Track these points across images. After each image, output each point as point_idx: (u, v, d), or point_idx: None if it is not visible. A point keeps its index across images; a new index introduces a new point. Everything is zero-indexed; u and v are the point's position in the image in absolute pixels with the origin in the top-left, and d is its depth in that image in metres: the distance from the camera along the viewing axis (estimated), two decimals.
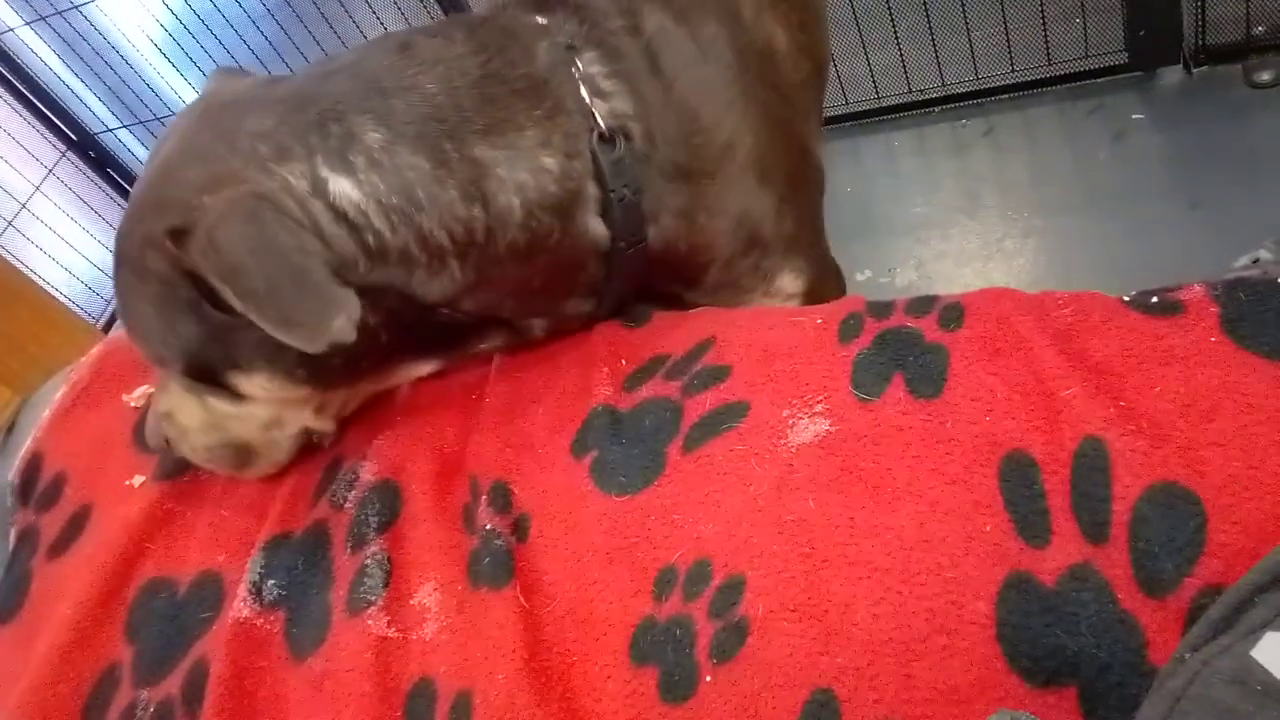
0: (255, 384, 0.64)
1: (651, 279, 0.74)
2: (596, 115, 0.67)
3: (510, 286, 0.67)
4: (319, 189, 0.59)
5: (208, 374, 0.64)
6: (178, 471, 0.68)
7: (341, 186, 0.60)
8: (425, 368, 0.70)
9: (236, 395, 0.65)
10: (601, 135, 0.67)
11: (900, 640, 0.45)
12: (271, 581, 0.60)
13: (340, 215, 0.60)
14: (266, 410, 0.66)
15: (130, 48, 2.19)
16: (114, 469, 0.71)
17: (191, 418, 0.66)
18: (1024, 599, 0.44)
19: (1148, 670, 0.41)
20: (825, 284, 0.83)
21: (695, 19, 0.73)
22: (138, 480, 0.70)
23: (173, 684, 0.59)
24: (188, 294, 0.60)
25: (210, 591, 0.62)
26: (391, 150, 0.61)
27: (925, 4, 1.49)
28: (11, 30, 2.13)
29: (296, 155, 0.60)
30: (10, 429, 0.85)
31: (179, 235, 0.58)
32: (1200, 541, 0.42)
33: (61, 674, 0.62)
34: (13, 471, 0.75)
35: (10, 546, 0.73)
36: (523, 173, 0.65)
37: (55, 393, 0.78)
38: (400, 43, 0.67)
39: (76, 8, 2.03)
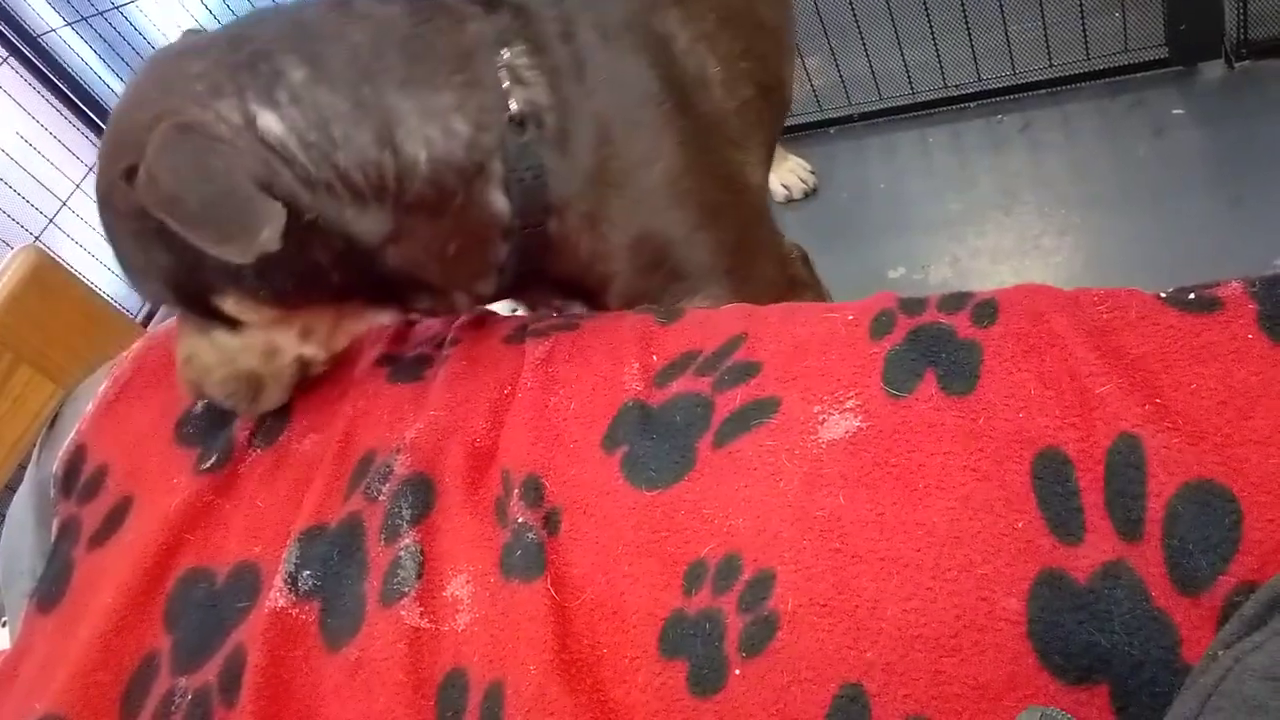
0: (231, 305, 0.69)
1: (566, 279, 0.79)
2: (511, 98, 0.71)
3: (427, 245, 0.72)
4: (249, 122, 0.65)
5: (198, 304, 0.70)
6: (217, 465, 0.70)
7: (267, 120, 0.65)
8: (383, 316, 0.76)
9: (232, 325, 0.71)
10: (513, 117, 0.71)
11: (930, 636, 0.45)
12: (307, 572, 0.61)
13: (269, 147, 0.65)
14: (261, 337, 0.72)
15: (129, 81, 2.22)
16: (155, 462, 0.72)
17: (207, 356, 0.72)
18: (1056, 596, 0.44)
19: (1181, 668, 0.41)
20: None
21: (622, 43, 0.77)
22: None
23: (210, 672, 0.60)
24: (153, 225, 0.64)
25: (247, 582, 0.63)
26: (313, 89, 0.66)
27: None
28: (53, 30, 2.18)
29: (228, 91, 0.65)
30: (53, 422, 0.87)
31: (131, 173, 0.64)
32: (1235, 539, 0.42)
33: (102, 661, 0.63)
34: (56, 463, 0.76)
35: (53, 536, 0.74)
36: (432, 129, 0.69)
37: (97, 386, 0.79)
38: (325, 5, 0.72)
39: (117, 8, 2.07)
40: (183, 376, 0.73)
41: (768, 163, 0.94)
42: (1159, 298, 0.53)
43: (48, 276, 0.87)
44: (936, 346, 0.55)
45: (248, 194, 0.63)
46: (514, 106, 0.71)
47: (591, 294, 0.82)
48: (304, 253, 0.67)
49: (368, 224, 0.68)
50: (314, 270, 0.68)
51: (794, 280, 0.92)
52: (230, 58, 0.66)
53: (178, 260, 0.67)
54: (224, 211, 0.63)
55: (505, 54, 0.72)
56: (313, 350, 0.74)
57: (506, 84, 0.71)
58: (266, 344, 0.72)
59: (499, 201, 0.72)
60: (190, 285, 0.69)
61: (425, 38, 0.70)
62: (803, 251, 0.96)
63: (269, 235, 0.62)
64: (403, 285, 0.74)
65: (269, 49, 0.67)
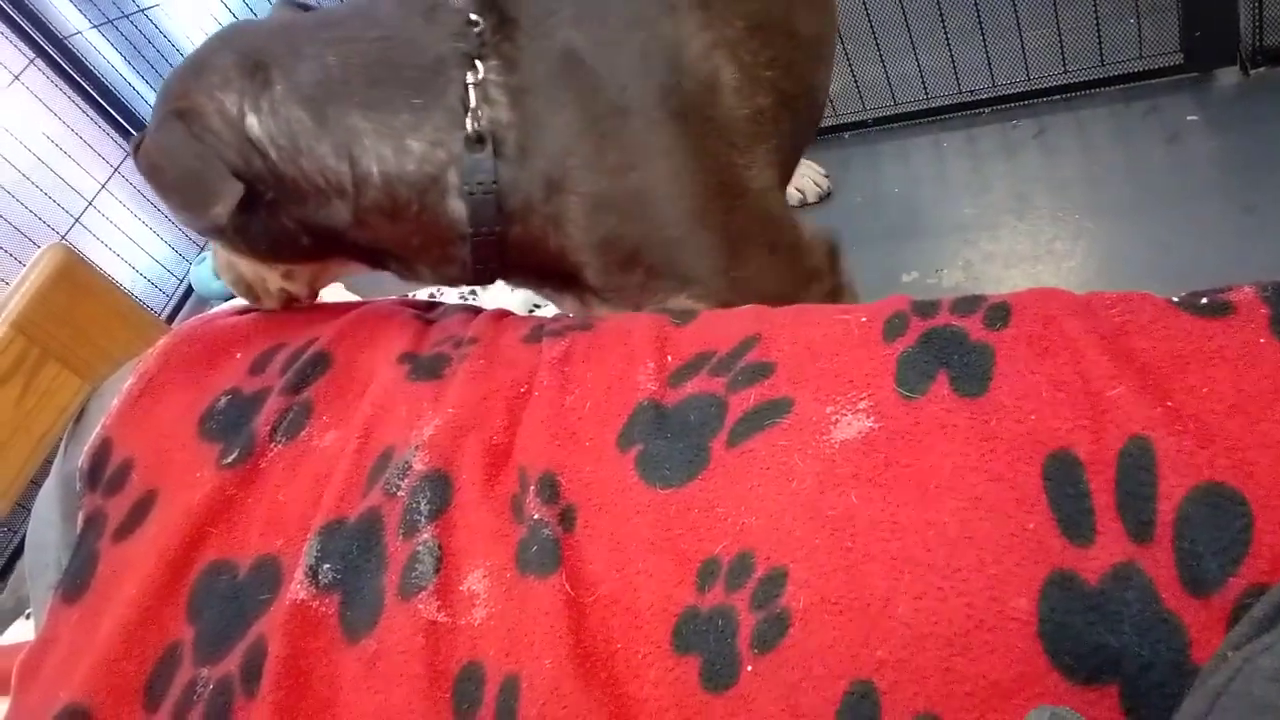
0: (220, 249, 0.88)
1: (542, 269, 0.88)
2: (469, 117, 0.79)
3: (389, 237, 0.84)
4: (240, 118, 0.78)
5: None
6: (239, 460, 0.71)
7: (251, 121, 0.79)
8: (356, 269, 0.91)
9: None
10: (468, 136, 0.79)
11: (941, 634, 0.46)
12: (327, 565, 0.62)
13: (250, 142, 0.78)
14: (251, 268, 0.88)
15: (193, 50, 2.25)
16: (179, 456, 0.73)
17: (224, 259, 0.89)
18: (1066, 596, 0.45)
19: (1190, 669, 0.41)
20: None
21: (617, 47, 0.81)
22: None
23: (232, 662, 0.61)
24: None
25: (269, 574, 0.64)
26: (287, 103, 0.79)
27: (976, 4, 1.48)
28: (80, 33, 2.20)
29: (233, 89, 0.79)
30: (79, 417, 0.88)
31: (139, 146, 0.82)
32: (1246, 541, 0.42)
33: (126, 651, 0.65)
34: (82, 457, 0.77)
35: (78, 529, 0.76)
36: (386, 147, 0.79)
37: (123, 382, 0.80)
38: (324, 18, 0.84)
39: (142, 11, 2.09)
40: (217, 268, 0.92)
41: (784, 165, 0.95)
42: (1171, 302, 0.53)
43: (76, 274, 0.89)
44: (949, 349, 0.56)
45: (212, 176, 0.77)
46: (470, 126, 0.79)
47: (569, 279, 0.88)
48: (273, 221, 0.82)
49: (330, 215, 0.81)
50: (285, 234, 0.83)
51: (812, 274, 0.93)
52: (243, 61, 0.79)
53: None
54: (189, 186, 0.78)
55: (476, 74, 0.79)
56: (295, 287, 0.90)
57: (472, 103, 0.79)
58: (255, 273, 0.88)
59: (457, 209, 0.81)
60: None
61: (392, 63, 0.80)
62: (832, 243, 0.96)
63: (219, 212, 0.76)
64: (372, 252, 0.86)
65: (267, 60, 0.80)
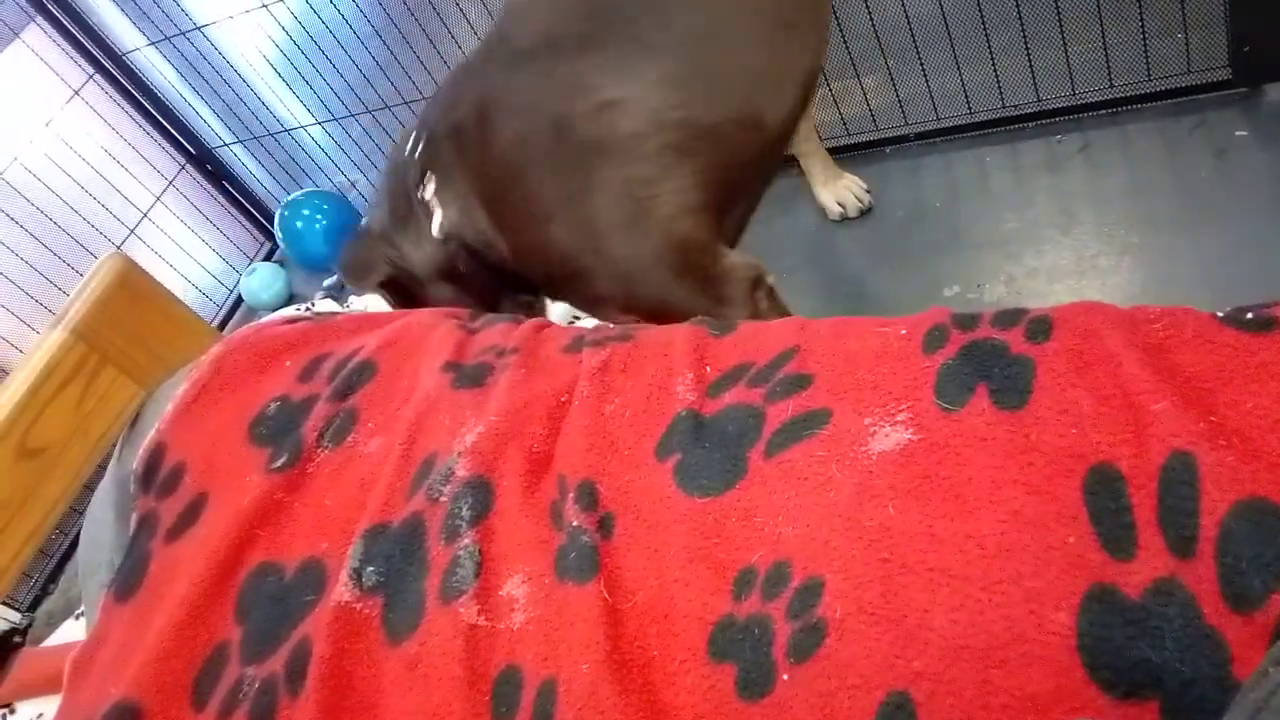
0: None
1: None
2: (433, 224, 1.07)
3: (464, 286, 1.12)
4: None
5: None
6: (287, 465, 0.72)
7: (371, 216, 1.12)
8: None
9: None
10: (438, 237, 1.07)
11: (979, 647, 0.46)
12: (371, 569, 0.63)
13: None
14: None
15: (246, 67, 2.31)
16: (229, 460, 0.75)
17: None
18: (1106, 611, 0.44)
19: (1232, 685, 0.41)
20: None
21: (509, 126, 1.00)
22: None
23: (277, 662, 0.63)
24: None
25: (314, 577, 0.66)
26: (376, 212, 1.14)
27: (1021, 19, 1.47)
28: (137, 50, 2.27)
29: (390, 233, 1.14)
30: (134, 421, 0.91)
31: None
32: None
33: (176, 649, 0.66)
34: (136, 460, 0.80)
35: (131, 530, 0.78)
36: (412, 250, 1.10)
37: (177, 388, 0.83)
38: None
39: (198, 28, 2.15)
40: None
41: (719, 187, 1.03)
42: (1215, 317, 0.53)
43: (134, 282, 0.91)
44: (989, 361, 0.56)
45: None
46: (436, 233, 1.07)
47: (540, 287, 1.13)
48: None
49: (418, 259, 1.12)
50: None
51: (723, 300, 1.03)
52: (392, 211, 1.14)
53: None
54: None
55: (427, 189, 1.05)
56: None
57: (435, 212, 1.05)
58: None
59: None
60: None
61: (398, 187, 1.10)
62: (758, 274, 1.06)
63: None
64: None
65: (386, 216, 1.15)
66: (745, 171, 1.08)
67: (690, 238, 1.00)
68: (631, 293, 0.90)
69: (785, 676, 0.49)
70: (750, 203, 1.15)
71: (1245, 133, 1.39)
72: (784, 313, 1.08)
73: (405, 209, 1.09)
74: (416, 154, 1.07)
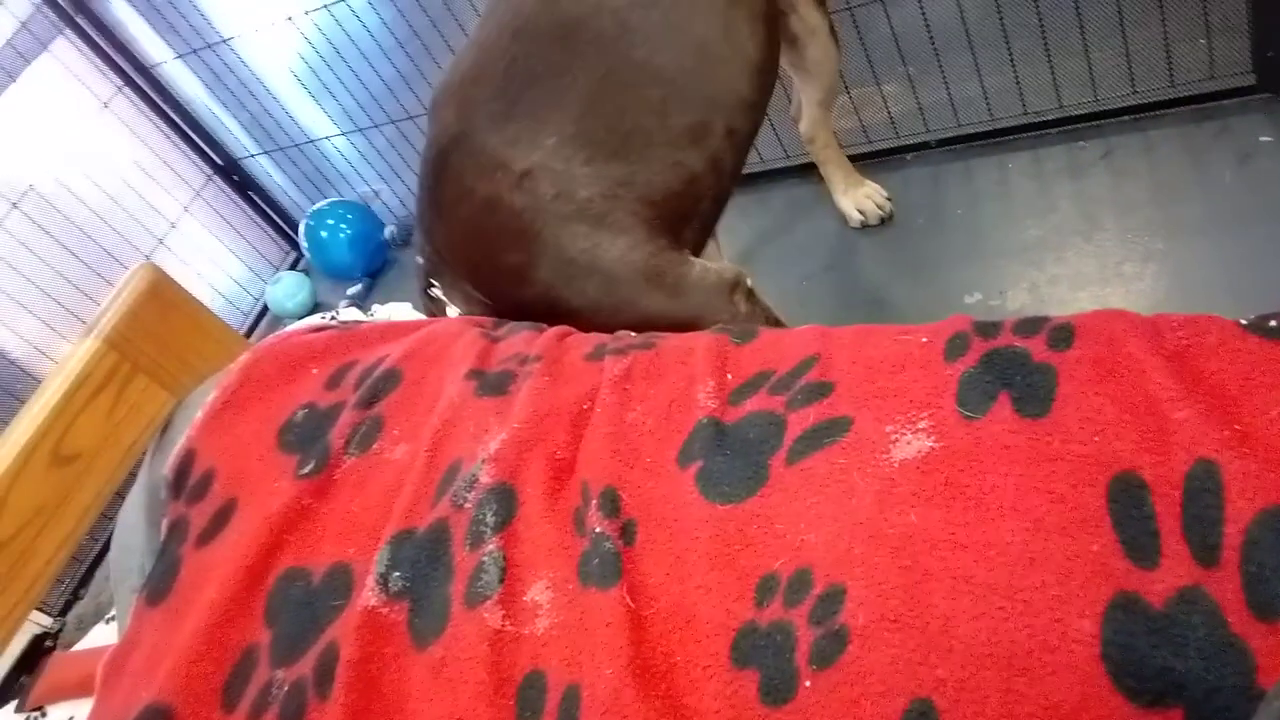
0: None
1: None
2: (449, 312, 1.12)
3: None
4: None
5: None
6: (315, 471, 0.73)
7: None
8: None
9: None
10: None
11: (1002, 655, 0.46)
12: (397, 574, 0.64)
13: None
14: None
15: (272, 79, 2.34)
16: (258, 467, 0.76)
17: None
18: (1130, 620, 0.44)
19: (1256, 694, 0.40)
20: None
21: (465, 208, 1.07)
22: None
23: (305, 665, 0.64)
24: None
25: (341, 581, 0.67)
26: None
27: (1042, 26, 1.47)
28: (164, 62, 2.30)
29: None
30: (165, 428, 0.92)
31: None
32: None
33: (206, 653, 0.67)
34: (167, 467, 0.81)
35: (162, 535, 0.79)
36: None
37: (206, 396, 0.84)
38: None
39: (224, 41, 2.18)
40: None
41: (647, 224, 1.08)
42: (1239, 324, 0.53)
43: (164, 292, 0.93)
44: (1011, 369, 0.56)
45: None
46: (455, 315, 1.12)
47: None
48: None
49: None
50: None
51: (698, 308, 1.07)
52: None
53: None
54: None
55: (435, 290, 1.13)
56: None
57: (449, 307, 1.12)
58: None
59: None
60: None
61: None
62: (733, 277, 1.10)
63: None
64: None
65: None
66: (686, 198, 1.12)
67: (647, 265, 1.06)
68: (614, 325, 0.93)
69: (808, 683, 0.49)
70: (715, 207, 1.18)
71: (1270, 138, 1.38)
72: (766, 313, 1.12)
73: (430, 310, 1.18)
74: (419, 262, 1.18)
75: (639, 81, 1.06)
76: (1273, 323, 0.51)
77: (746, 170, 1.21)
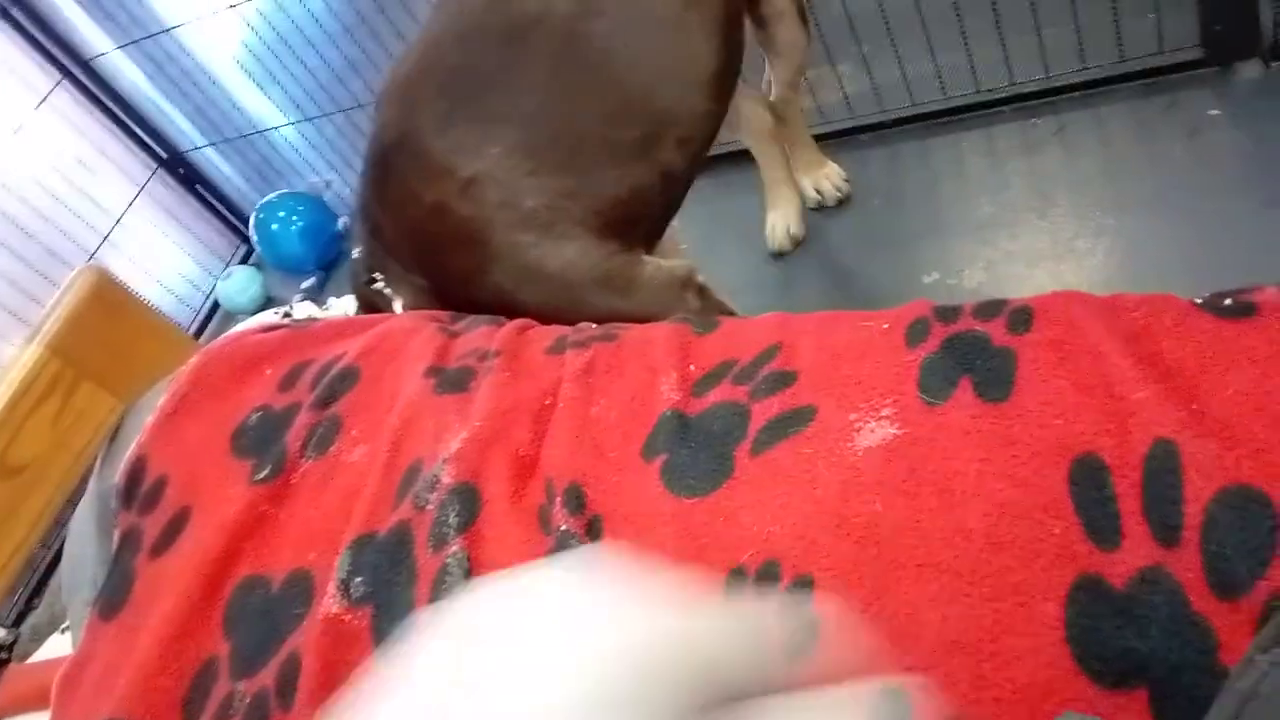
0: None
1: None
2: (395, 306, 1.13)
3: None
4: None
5: None
6: (271, 476, 0.72)
7: None
8: None
9: None
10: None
11: (969, 641, 0.46)
12: (359, 579, 0.62)
13: None
14: None
15: (216, 68, 2.28)
16: (212, 473, 0.74)
17: None
18: (1094, 601, 0.45)
19: (1219, 672, 0.41)
20: None
21: (412, 212, 1.08)
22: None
23: (267, 676, 0.62)
24: None
25: (301, 589, 0.65)
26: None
27: (994, 3, 1.47)
28: (104, 54, 2.24)
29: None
30: (114, 435, 0.90)
31: None
32: (1273, 544, 0.42)
33: (164, 666, 0.65)
34: (117, 475, 0.79)
35: (114, 546, 0.77)
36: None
37: (156, 400, 0.82)
38: None
39: (166, 30, 2.12)
40: None
41: (595, 231, 1.08)
42: (1194, 303, 0.53)
43: (108, 294, 0.90)
44: (972, 354, 0.56)
45: None
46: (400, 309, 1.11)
47: None
48: None
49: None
50: None
51: (649, 305, 1.08)
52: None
53: None
54: None
55: (378, 283, 1.12)
56: None
57: (394, 301, 1.11)
58: None
59: None
60: None
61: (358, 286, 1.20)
62: (684, 273, 1.11)
63: None
64: None
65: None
66: (635, 205, 1.12)
67: (597, 269, 1.06)
68: (569, 323, 0.93)
69: None
70: (667, 210, 1.19)
71: (1218, 111, 1.40)
72: (720, 307, 1.13)
73: (371, 300, 1.16)
74: (356, 256, 1.17)
75: (587, 91, 1.05)
76: (1227, 301, 0.52)
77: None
